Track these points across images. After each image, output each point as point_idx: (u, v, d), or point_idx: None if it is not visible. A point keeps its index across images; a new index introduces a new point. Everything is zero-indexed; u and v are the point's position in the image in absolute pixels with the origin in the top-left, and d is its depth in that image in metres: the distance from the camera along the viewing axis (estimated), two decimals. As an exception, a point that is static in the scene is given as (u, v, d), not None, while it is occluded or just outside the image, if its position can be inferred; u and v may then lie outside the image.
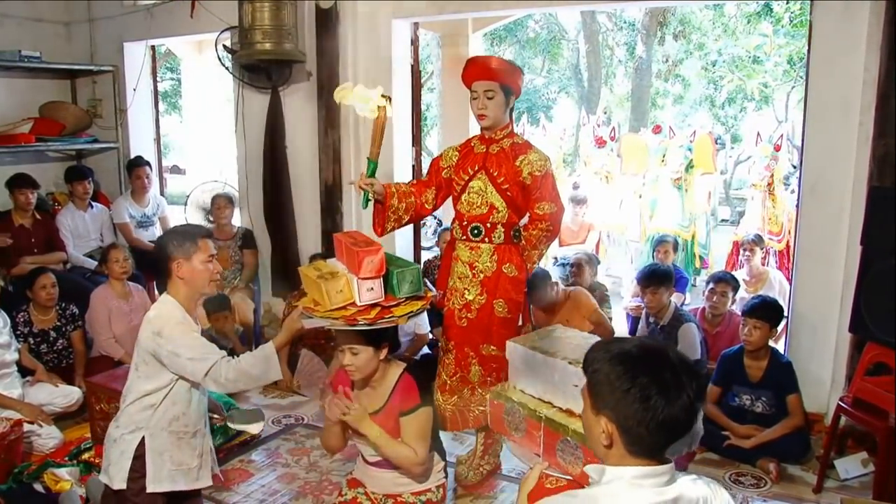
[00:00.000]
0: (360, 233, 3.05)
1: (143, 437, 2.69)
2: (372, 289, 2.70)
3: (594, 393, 1.61)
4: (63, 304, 4.78)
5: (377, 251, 2.71)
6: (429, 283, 5.44)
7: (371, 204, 3.46)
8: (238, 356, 2.69)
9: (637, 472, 1.56)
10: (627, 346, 1.62)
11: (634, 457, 1.57)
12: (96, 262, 5.61)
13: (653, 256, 6.26)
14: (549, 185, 3.44)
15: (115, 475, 2.71)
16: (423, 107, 10.41)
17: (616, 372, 1.55)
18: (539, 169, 3.40)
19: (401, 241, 5.50)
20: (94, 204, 6.05)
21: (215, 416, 4.22)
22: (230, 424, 4.03)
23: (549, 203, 3.43)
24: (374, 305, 2.71)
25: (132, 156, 6.39)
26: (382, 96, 3.22)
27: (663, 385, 1.52)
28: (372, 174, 3.33)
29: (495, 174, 3.41)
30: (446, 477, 3.06)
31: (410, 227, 5.57)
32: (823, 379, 4.18)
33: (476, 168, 3.46)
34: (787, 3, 11.90)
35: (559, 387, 2.55)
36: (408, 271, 2.77)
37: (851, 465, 3.79)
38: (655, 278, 4.60)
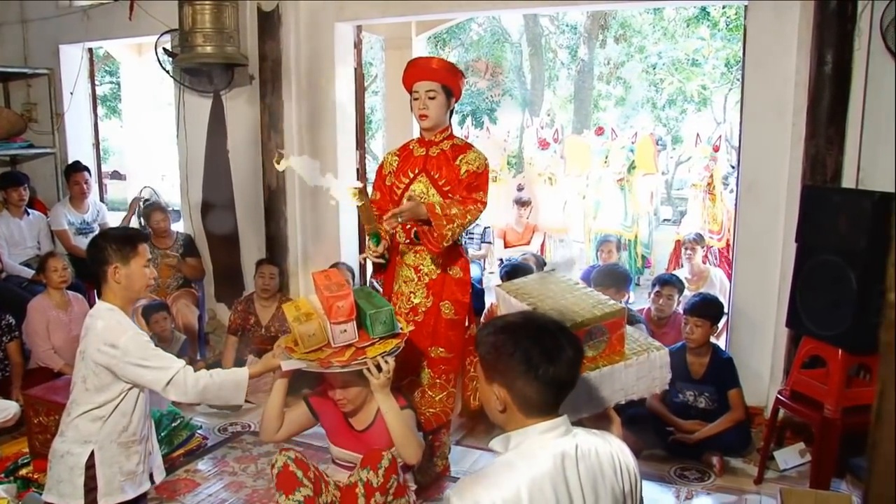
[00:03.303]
0: (335, 272, 3.10)
1: (93, 451, 2.62)
2: (345, 331, 2.78)
3: (485, 363, 1.75)
4: (-2, 315, 4.64)
5: (346, 296, 2.76)
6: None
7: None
8: (208, 369, 2.72)
9: (538, 427, 1.70)
10: (510, 317, 1.81)
11: (528, 417, 1.71)
12: (33, 271, 5.46)
13: (597, 256, 6.35)
14: (483, 182, 3.44)
15: (69, 492, 2.63)
16: (367, 110, 10.38)
17: (501, 340, 1.71)
18: (477, 168, 3.40)
19: (346, 248, 5.48)
20: (30, 211, 5.89)
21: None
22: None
23: (483, 194, 3.42)
24: (348, 346, 2.77)
25: (70, 161, 6.23)
26: (355, 188, 3.06)
27: (544, 347, 1.68)
28: (377, 243, 3.31)
29: (436, 176, 3.41)
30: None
31: (355, 234, 5.56)
32: (762, 373, 4.29)
33: (416, 171, 3.46)
34: (724, 7, 12.19)
35: None
36: (382, 312, 2.81)
37: (790, 456, 3.91)
38: (613, 279, 4.65)
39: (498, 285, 3.32)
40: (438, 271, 3.46)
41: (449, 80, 3.40)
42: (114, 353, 2.56)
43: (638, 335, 3.06)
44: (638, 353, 2.86)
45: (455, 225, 3.27)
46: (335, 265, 4.92)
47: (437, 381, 3.51)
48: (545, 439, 1.68)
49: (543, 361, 1.66)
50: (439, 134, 3.46)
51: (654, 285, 4.95)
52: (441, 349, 3.50)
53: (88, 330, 2.65)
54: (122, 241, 2.69)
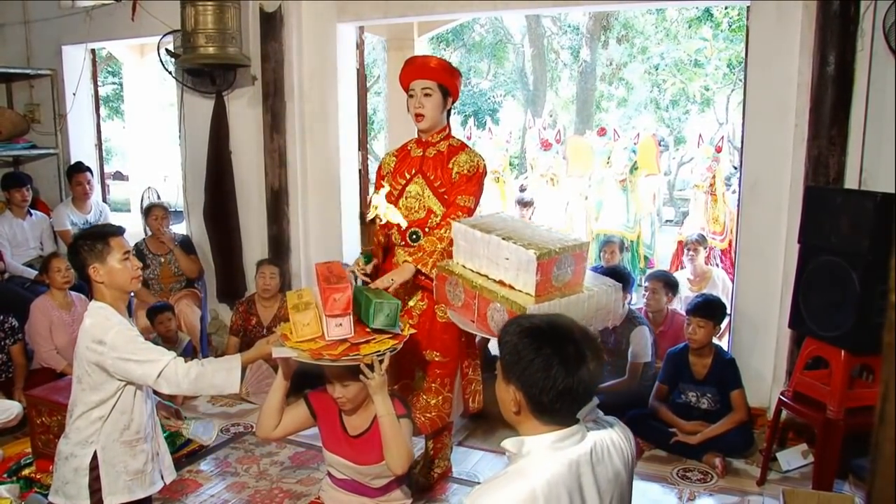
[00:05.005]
0: (337, 264, 3.02)
1: (96, 452, 2.62)
2: (340, 325, 2.69)
3: (505, 363, 1.72)
4: (1, 316, 4.65)
5: (344, 289, 2.67)
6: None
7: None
8: (200, 359, 2.66)
9: (553, 437, 1.68)
10: (536, 320, 1.76)
11: (542, 424, 1.70)
12: (36, 272, 5.47)
13: (599, 257, 6.34)
14: (474, 185, 3.39)
15: (75, 494, 2.62)
16: (370, 110, 10.38)
17: (523, 343, 1.68)
18: (468, 170, 3.36)
19: (349, 249, 5.47)
20: (32, 212, 5.90)
21: (170, 421, 4.16)
22: (183, 432, 3.97)
23: (471, 197, 3.37)
24: (342, 341, 2.69)
25: (72, 162, 6.24)
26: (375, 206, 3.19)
27: (565, 357, 1.65)
28: (368, 262, 3.32)
29: (431, 178, 3.38)
30: None
31: (356, 233, 5.56)
32: (765, 374, 4.29)
33: (413, 172, 3.43)
34: (726, 8, 12.19)
35: (493, 259, 2.87)
36: (388, 304, 2.75)
37: (792, 457, 3.90)
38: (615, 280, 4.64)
39: (454, 220, 3.23)
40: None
41: (446, 79, 3.36)
42: (101, 349, 2.53)
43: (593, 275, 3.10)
44: (597, 286, 2.93)
45: (438, 252, 3.30)
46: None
47: (433, 385, 3.48)
48: (559, 448, 1.67)
49: (563, 371, 1.64)
50: (436, 135, 3.43)
51: (644, 281, 4.96)
52: (436, 353, 3.46)
53: (80, 329, 2.65)
54: (92, 238, 2.65)
